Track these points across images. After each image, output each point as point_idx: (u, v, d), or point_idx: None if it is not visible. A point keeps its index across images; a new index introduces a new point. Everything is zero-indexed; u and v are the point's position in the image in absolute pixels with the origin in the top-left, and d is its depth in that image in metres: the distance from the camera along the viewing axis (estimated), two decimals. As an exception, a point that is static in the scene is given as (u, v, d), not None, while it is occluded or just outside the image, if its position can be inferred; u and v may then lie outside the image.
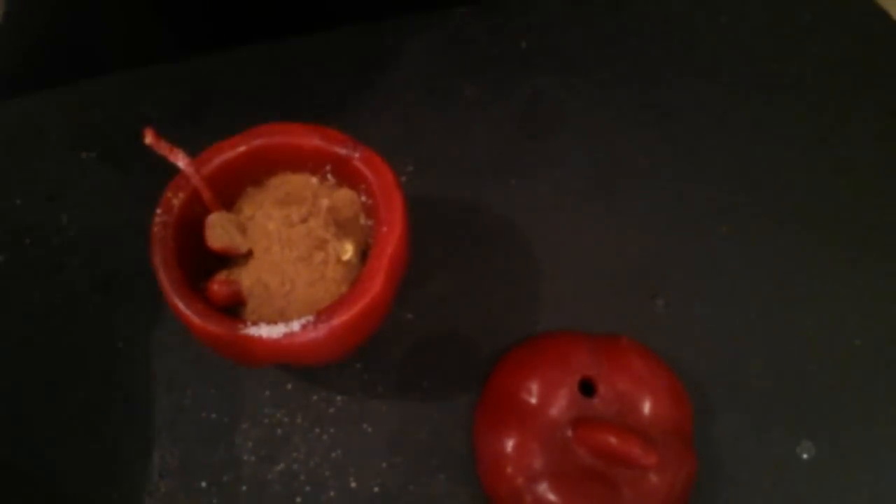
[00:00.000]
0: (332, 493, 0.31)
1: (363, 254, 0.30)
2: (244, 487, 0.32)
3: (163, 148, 0.28)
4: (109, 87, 0.41)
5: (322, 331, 0.26)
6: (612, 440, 0.28)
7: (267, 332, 0.26)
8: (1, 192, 0.38)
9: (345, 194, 0.31)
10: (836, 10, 0.45)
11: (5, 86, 0.40)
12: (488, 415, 0.31)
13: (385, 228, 0.28)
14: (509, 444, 0.29)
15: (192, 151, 0.29)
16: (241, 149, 0.30)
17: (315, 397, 0.33)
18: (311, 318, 0.26)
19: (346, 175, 0.31)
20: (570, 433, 0.29)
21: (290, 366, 0.34)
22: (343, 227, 0.30)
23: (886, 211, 0.38)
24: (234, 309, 0.29)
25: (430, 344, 0.34)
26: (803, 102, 0.41)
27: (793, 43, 0.44)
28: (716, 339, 0.35)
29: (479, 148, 0.40)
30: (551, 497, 0.28)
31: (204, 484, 0.32)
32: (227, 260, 0.30)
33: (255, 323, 0.27)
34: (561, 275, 0.36)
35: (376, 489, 0.32)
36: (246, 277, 0.29)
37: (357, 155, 0.30)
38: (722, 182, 0.39)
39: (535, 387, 0.30)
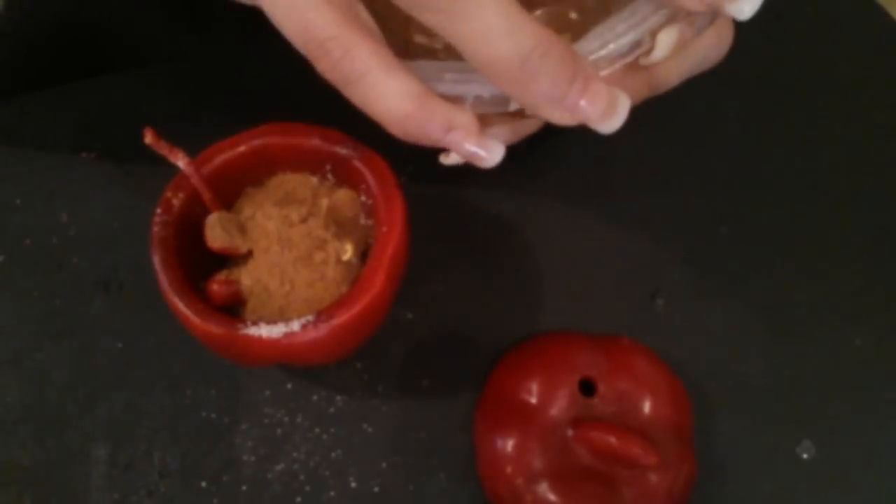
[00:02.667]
0: (332, 493, 0.31)
1: (363, 254, 0.30)
2: (244, 487, 0.32)
3: (163, 148, 0.28)
4: (109, 86, 0.41)
5: (322, 331, 0.26)
6: (612, 440, 0.28)
7: (267, 332, 0.26)
8: (1, 192, 0.38)
9: (345, 194, 0.31)
10: (836, 10, 0.45)
11: (5, 85, 0.40)
12: (488, 415, 0.31)
13: (385, 228, 0.28)
14: (509, 444, 0.29)
15: (192, 151, 0.29)
16: (241, 149, 0.30)
17: (315, 397, 0.33)
18: (311, 318, 0.26)
19: (346, 175, 0.31)
20: (570, 433, 0.29)
21: (290, 366, 0.34)
22: (343, 227, 0.30)
23: (886, 210, 0.38)
24: (234, 309, 0.29)
25: (430, 344, 0.34)
26: (803, 102, 0.41)
27: (793, 42, 0.44)
28: (716, 339, 0.35)
29: (479, 148, 0.40)
30: (551, 497, 0.28)
31: (204, 484, 0.32)
32: (227, 260, 0.30)
33: (255, 323, 0.27)
34: (561, 275, 0.36)
35: (376, 489, 0.32)
36: (246, 277, 0.29)
37: (357, 155, 0.30)
38: (722, 182, 0.39)
39: (535, 387, 0.30)
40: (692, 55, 0.28)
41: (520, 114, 0.27)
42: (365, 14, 0.24)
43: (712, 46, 0.27)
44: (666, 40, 0.25)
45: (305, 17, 0.22)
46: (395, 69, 0.23)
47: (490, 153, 0.25)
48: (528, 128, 0.29)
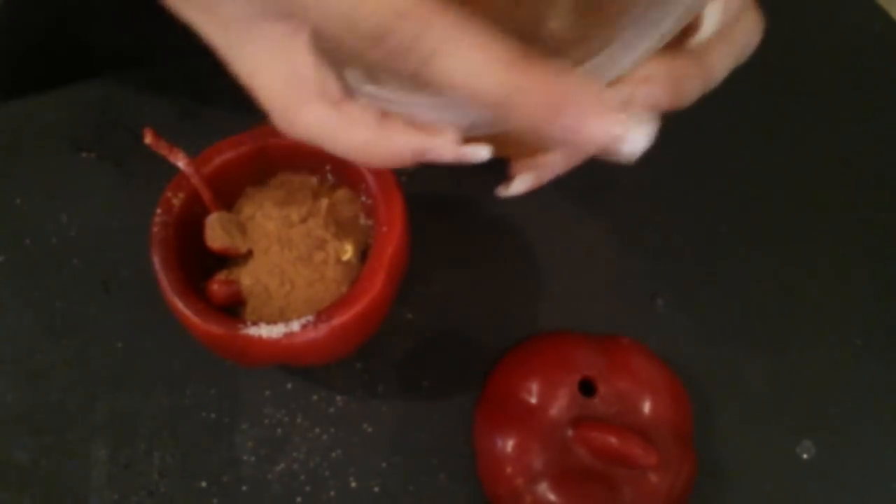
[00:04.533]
0: (332, 493, 0.31)
1: (363, 254, 0.30)
2: (244, 487, 0.32)
3: (163, 148, 0.28)
4: (109, 87, 0.41)
5: (322, 331, 0.26)
6: (612, 440, 0.28)
7: (267, 332, 0.26)
8: (1, 192, 0.38)
9: (345, 194, 0.31)
10: (836, 10, 0.45)
11: (5, 86, 0.40)
12: (488, 415, 0.31)
13: (385, 228, 0.28)
14: (509, 444, 0.29)
15: (192, 151, 0.29)
16: (242, 149, 0.30)
17: (315, 397, 0.33)
18: (311, 318, 0.26)
19: (346, 175, 0.31)
20: (570, 433, 0.29)
21: (290, 366, 0.34)
22: (343, 227, 0.30)
23: (887, 210, 0.38)
24: (234, 309, 0.29)
25: (430, 344, 0.34)
26: (803, 102, 0.41)
27: (793, 43, 0.44)
28: (716, 339, 0.35)
29: (479, 148, 0.40)
30: (551, 497, 0.28)
31: (204, 484, 0.32)
32: (227, 260, 0.30)
33: (255, 323, 0.27)
34: (561, 275, 0.36)
35: (376, 489, 0.32)
36: (246, 277, 0.29)
37: (357, 155, 0.30)
38: (721, 182, 0.39)
39: (535, 387, 0.30)
40: (738, 39, 0.26)
41: None
42: None
43: (751, 30, 0.26)
44: (712, 16, 0.23)
45: None
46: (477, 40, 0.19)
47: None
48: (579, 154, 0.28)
